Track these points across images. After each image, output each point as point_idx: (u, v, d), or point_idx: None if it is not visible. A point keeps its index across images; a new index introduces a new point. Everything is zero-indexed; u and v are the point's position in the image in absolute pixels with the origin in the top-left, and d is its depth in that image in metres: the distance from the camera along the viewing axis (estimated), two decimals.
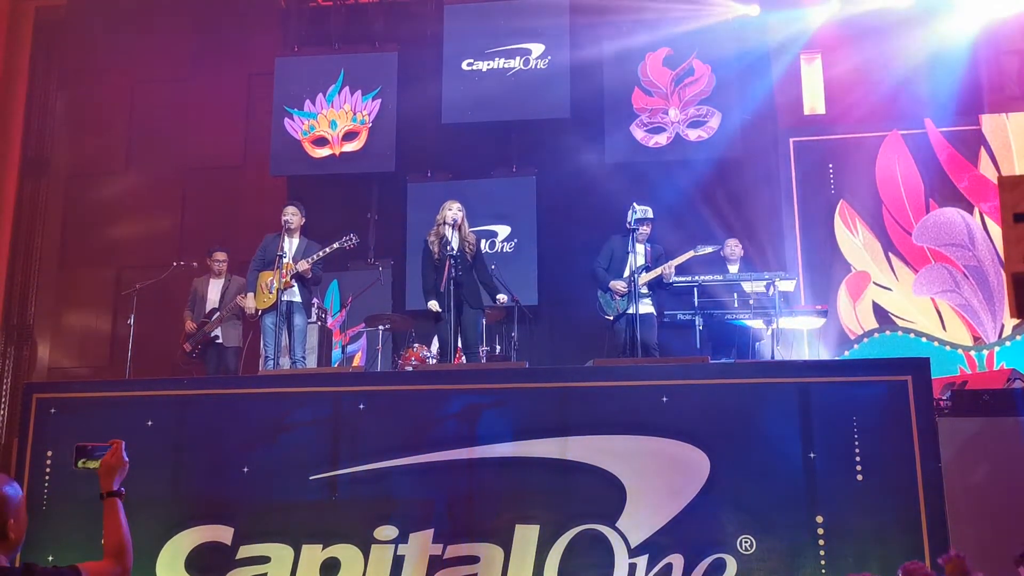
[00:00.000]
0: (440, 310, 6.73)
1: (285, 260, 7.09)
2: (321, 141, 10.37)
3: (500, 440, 5.45)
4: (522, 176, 10.04)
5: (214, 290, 8.14)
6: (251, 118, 10.81)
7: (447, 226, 6.89)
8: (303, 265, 7.11)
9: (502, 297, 7.09)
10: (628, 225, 7.35)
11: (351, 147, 10.32)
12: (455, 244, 6.83)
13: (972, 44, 9.46)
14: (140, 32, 10.93)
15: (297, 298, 7.25)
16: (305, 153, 10.37)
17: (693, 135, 9.79)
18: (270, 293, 7.16)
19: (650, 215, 7.46)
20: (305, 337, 7.51)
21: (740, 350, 7.69)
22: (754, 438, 5.28)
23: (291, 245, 7.27)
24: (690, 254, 7.43)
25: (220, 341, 7.97)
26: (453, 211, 6.94)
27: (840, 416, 5.25)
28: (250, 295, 7.41)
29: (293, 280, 7.15)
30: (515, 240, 9.83)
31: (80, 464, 2.84)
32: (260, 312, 7.27)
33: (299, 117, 10.43)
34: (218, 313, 7.99)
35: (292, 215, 7.31)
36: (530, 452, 5.41)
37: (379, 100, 10.32)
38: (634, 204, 7.36)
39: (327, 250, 7.22)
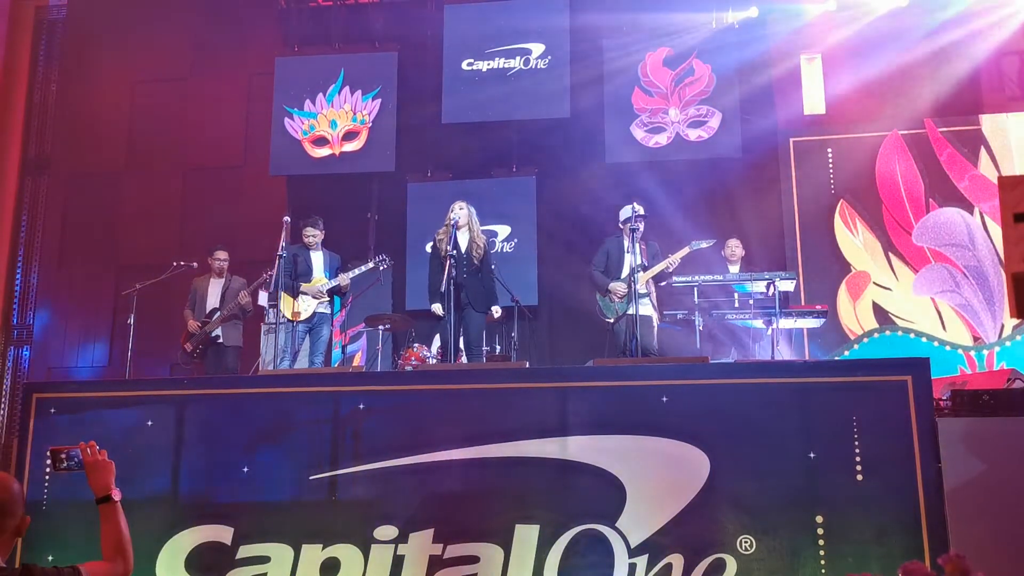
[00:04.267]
0: (442, 313, 6.75)
1: (315, 276, 7.47)
2: (321, 141, 10.37)
3: (500, 440, 5.44)
4: (522, 176, 10.04)
5: (214, 290, 8.15)
6: (251, 118, 10.81)
7: (452, 227, 6.91)
8: (344, 280, 7.53)
9: (496, 309, 7.14)
10: (628, 224, 7.32)
11: (351, 147, 10.32)
12: (463, 245, 6.85)
13: (972, 44, 9.47)
14: (140, 32, 10.94)
15: (328, 310, 7.61)
16: (305, 153, 10.38)
17: (693, 135, 9.79)
18: (306, 307, 7.49)
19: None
20: (325, 347, 7.73)
21: (740, 350, 7.70)
22: (754, 438, 5.26)
23: (317, 258, 7.61)
24: (686, 250, 7.43)
25: (220, 341, 7.98)
26: (455, 212, 6.97)
27: (840, 416, 5.24)
28: (263, 294, 7.82)
29: (326, 292, 7.52)
30: (515, 240, 9.82)
31: (59, 467, 2.83)
32: (295, 323, 7.49)
33: (299, 117, 10.43)
34: (219, 313, 7.99)
35: (312, 236, 7.63)
36: (530, 452, 5.40)
37: (379, 100, 10.33)
38: (634, 203, 7.35)
39: (362, 268, 7.68)
